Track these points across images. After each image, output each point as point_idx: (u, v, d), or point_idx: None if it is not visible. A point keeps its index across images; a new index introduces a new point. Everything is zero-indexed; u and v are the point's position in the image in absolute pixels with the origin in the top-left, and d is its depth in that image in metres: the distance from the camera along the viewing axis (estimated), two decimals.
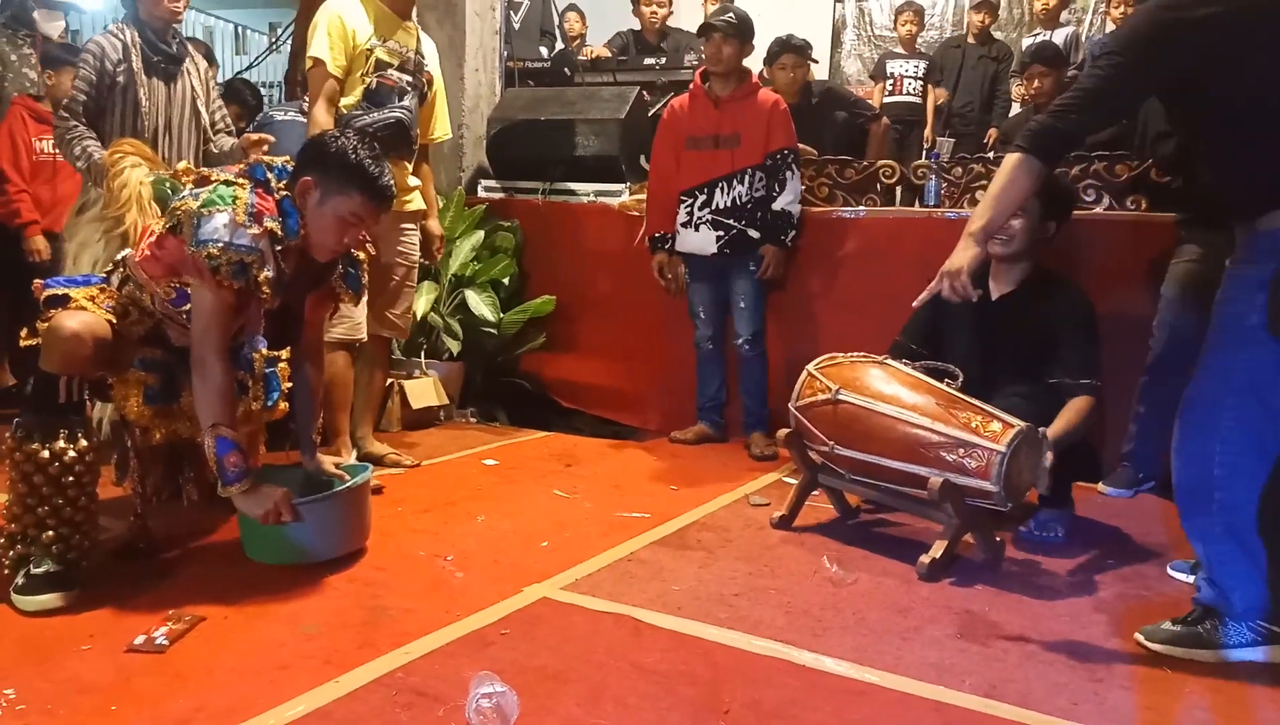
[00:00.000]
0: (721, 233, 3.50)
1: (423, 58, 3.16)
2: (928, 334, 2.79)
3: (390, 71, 3.03)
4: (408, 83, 3.08)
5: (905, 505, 2.53)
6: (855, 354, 2.65)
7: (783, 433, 2.70)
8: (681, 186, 3.55)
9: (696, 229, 3.53)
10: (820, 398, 2.56)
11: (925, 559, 2.31)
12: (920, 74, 5.72)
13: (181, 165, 2.38)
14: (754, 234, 3.50)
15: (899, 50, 5.96)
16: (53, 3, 4.27)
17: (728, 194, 3.49)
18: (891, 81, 5.79)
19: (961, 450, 2.31)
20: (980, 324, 2.67)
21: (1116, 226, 3.24)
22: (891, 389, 2.48)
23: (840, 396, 2.50)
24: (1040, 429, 2.34)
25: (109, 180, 2.37)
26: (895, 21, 5.99)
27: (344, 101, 2.99)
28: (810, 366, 2.66)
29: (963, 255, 2.01)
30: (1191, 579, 2.28)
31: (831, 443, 2.54)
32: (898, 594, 2.19)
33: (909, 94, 5.74)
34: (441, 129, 3.34)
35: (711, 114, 3.50)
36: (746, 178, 3.48)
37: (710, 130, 3.50)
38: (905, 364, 2.58)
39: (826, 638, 1.94)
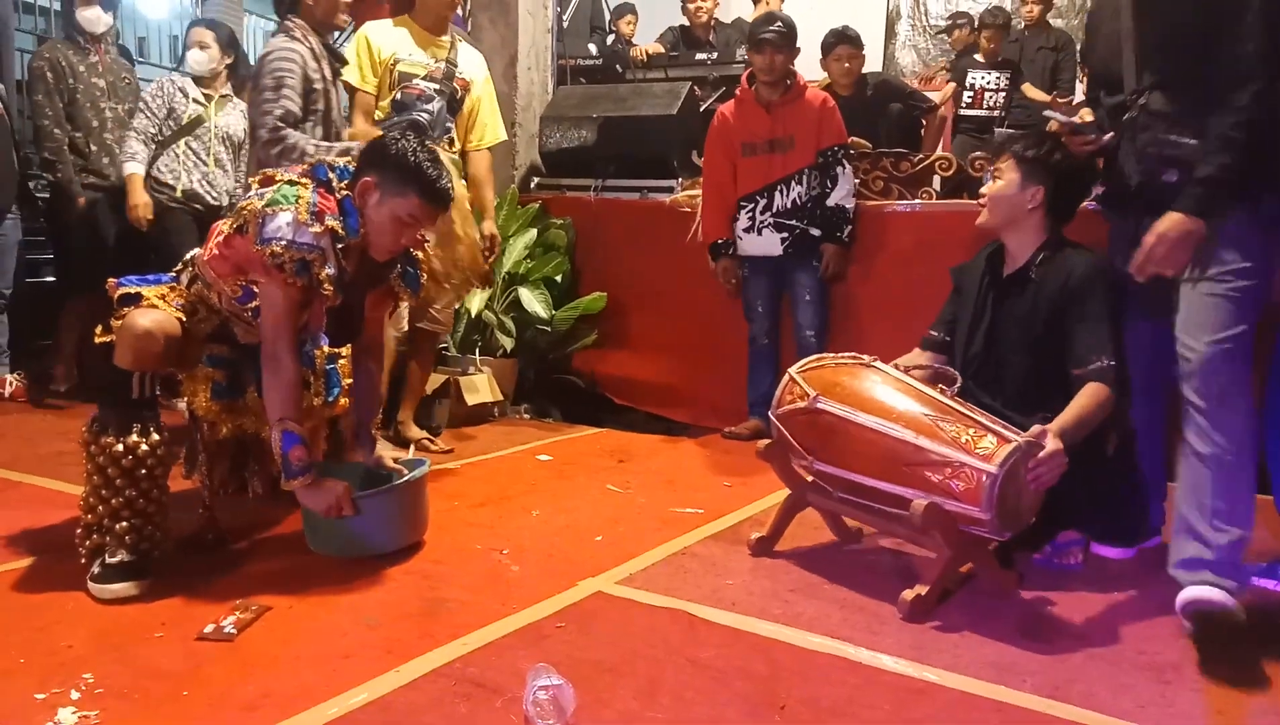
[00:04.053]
0: (785, 234, 3.56)
1: (454, 66, 3.28)
2: (951, 323, 2.48)
3: (416, 81, 3.20)
4: (434, 90, 3.22)
5: (896, 529, 2.18)
6: (844, 355, 2.36)
7: (763, 444, 2.39)
8: (740, 193, 3.60)
9: (759, 233, 3.58)
10: (799, 405, 2.25)
11: (908, 595, 2.01)
12: (1003, 85, 5.35)
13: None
14: (815, 232, 3.55)
15: (979, 59, 5.47)
16: None
17: (787, 196, 3.54)
18: (972, 93, 5.42)
19: (948, 469, 1.97)
20: (989, 304, 2.37)
21: None
22: (876, 396, 2.15)
23: (819, 404, 2.19)
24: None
25: None
26: (979, 37, 5.48)
27: (377, 114, 3.19)
28: (792, 369, 2.36)
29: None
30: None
31: (810, 456, 2.25)
32: (956, 591, 2.15)
33: (989, 107, 5.38)
34: (491, 135, 3.44)
35: (764, 119, 3.54)
36: (804, 178, 3.52)
37: (764, 135, 3.54)
38: (896, 367, 2.28)
39: (883, 635, 1.92)
